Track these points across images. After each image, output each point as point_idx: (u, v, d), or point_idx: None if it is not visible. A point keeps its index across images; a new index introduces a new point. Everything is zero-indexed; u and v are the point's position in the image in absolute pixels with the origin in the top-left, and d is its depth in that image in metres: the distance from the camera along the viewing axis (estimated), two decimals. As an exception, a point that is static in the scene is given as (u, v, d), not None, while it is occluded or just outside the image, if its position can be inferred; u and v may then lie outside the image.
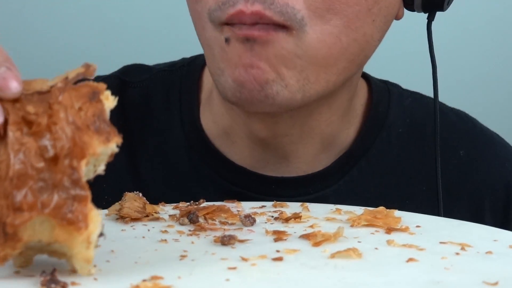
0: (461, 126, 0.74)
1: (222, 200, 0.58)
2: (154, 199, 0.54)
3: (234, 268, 0.39)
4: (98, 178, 0.67)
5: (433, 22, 0.67)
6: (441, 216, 0.64)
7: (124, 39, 1.15)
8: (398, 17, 0.63)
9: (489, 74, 1.25)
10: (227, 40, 0.56)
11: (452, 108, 0.76)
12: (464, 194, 0.71)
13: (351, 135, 0.69)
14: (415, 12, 0.66)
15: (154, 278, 0.36)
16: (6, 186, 0.34)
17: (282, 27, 0.54)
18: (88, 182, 0.36)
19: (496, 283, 0.37)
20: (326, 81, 0.58)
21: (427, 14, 0.67)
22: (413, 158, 0.70)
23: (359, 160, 0.68)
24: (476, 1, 1.22)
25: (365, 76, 0.72)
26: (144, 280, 0.36)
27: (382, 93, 0.72)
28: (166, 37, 1.14)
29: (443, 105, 0.75)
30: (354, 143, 0.69)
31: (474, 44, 1.24)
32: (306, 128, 0.65)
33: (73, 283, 0.35)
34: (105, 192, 0.68)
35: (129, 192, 0.54)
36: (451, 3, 0.65)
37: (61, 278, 0.35)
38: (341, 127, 0.68)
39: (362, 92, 0.71)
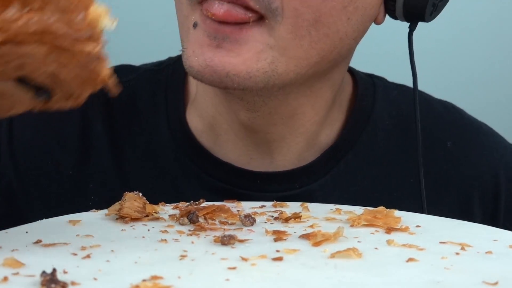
0: (448, 117, 0.74)
1: (208, 197, 0.58)
2: None
3: (234, 268, 0.39)
4: (84, 178, 0.67)
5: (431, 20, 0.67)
6: (424, 208, 0.64)
7: (120, 40, 1.15)
8: (378, 21, 0.63)
9: (484, 73, 1.24)
10: (194, 25, 0.57)
11: (439, 100, 0.75)
12: (453, 185, 0.70)
13: (336, 129, 0.69)
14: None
15: (154, 278, 0.36)
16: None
17: (254, 21, 0.55)
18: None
19: (496, 283, 0.37)
20: (295, 73, 0.58)
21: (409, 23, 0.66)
22: (400, 150, 0.70)
23: (345, 154, 0.68)
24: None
25: (350, 70, 0.72)
26: (144, 280, 0.36)
27: (367, 86, 0.72)
28: (161, 36, 1.13)
29: (430, 97, 0.75)
30: (339, 137, 0.69)
31: (472, 44, 1.24)
32: (288, 129, 0.65)
33: (73, 283, 0.35)
34: (91, 192, 0.67)
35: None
36: (436, 15, 0.65)
37: (61, 278, 0.36)
38: (326, 124, 0.68)
39: (347, 86, 0.71)
